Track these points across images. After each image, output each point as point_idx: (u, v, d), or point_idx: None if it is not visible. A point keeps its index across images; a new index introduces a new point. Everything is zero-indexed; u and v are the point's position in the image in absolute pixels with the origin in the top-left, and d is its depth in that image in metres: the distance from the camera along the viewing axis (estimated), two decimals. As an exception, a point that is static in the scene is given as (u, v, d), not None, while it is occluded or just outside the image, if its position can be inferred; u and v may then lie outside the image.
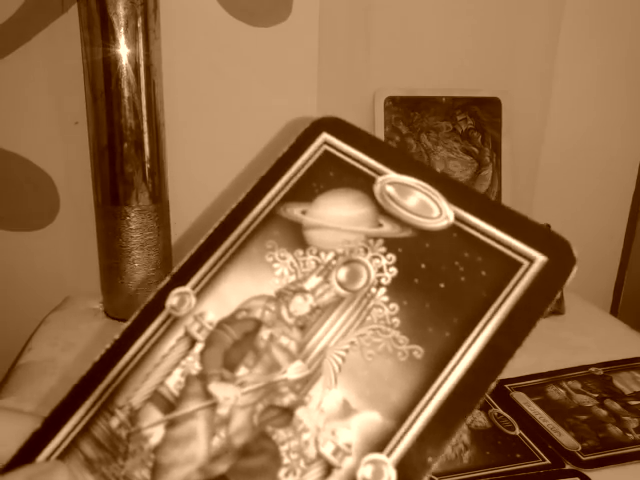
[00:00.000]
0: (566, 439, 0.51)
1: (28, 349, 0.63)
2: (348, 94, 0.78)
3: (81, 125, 0.69)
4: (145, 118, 0.63)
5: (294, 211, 0.19)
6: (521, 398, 0.57)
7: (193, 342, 0.18)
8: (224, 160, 0.73)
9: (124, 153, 0.63)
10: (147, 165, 0.64)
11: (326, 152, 0.20)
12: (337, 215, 0.18)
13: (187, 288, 0.19)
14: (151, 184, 0.65)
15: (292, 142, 0.21)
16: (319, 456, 0.16)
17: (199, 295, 0.19)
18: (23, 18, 0.66)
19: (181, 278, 0.19)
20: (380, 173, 0.19)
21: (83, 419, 0.17)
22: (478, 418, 0.53)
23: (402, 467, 0.15)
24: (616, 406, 0.56)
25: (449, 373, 0.15)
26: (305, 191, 0.19)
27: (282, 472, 0.16)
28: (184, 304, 0.18)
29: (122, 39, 0.60)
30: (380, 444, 0.15)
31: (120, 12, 0.59)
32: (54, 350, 0.62)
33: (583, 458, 0.48)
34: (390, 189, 0.19)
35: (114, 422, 0.17)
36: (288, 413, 0.16)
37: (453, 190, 0.18)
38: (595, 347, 0.67)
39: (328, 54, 0.74)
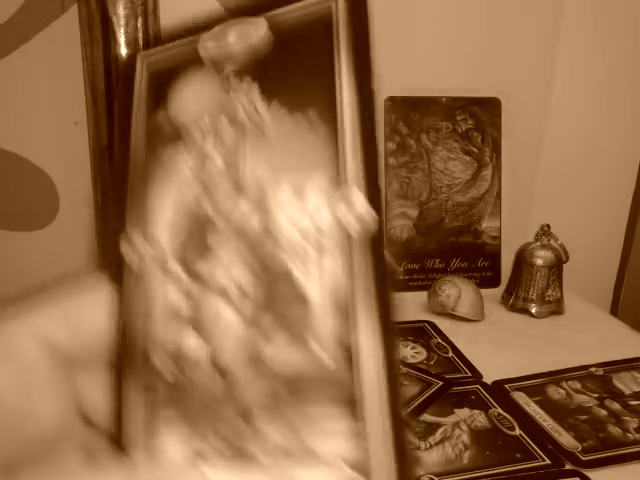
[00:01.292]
0: (566, 439, 0.51)
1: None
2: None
3: (81, 125, 0.69)
4: (145, 118, 0.63)
5: (159, 115, 0.20)
6: (521, 398, 0.57)
7: (163, 263, 0.19)
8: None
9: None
10: (147, 165, 0.64)
11: (149, 63, 0.21)
12: (190, 90, 0.20)
13: (127, 233, 0.19)
14: (151, 184, 0.65)
15: (121, 81, 0.21)
16: (312, 232, 0.17)
17: (141, 232, 0.19)
18: (23, 18, 0.66)
19: (119, 230, 0.19)
20: (195, 42, 0.20)
21: (137, 387, 0.18)
22: (478, 418, 0.53)
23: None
24: (616, 406, 0.56)
25: (342, 108, 0.17)
26: (158, 97, 0.20)
27: (295, 274, 0.16)
28: (136, 247, 0.19)
29: (122, 39, 0.60)
30: (336, 192, 0.16)
31: (120, 12, 0.59)
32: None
33: (583, 458, 0.48)
34: (210, 43, 0.19)
35: (168, 377, 0.18)
36: (264, 233, 0.17)
37: (253, 7, 0.19)
38: (595, 347, 0.67)
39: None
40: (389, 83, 0.79)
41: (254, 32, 0.19)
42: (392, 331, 0.15)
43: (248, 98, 0.19)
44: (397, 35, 0.77)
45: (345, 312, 0.16)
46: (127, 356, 0.18)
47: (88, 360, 0.19)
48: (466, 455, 0.48)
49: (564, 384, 0.59)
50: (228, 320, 0.17)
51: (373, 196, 0.16)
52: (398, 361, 0.15)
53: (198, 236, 0.18)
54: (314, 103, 0.18)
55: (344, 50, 0.17)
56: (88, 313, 0.19)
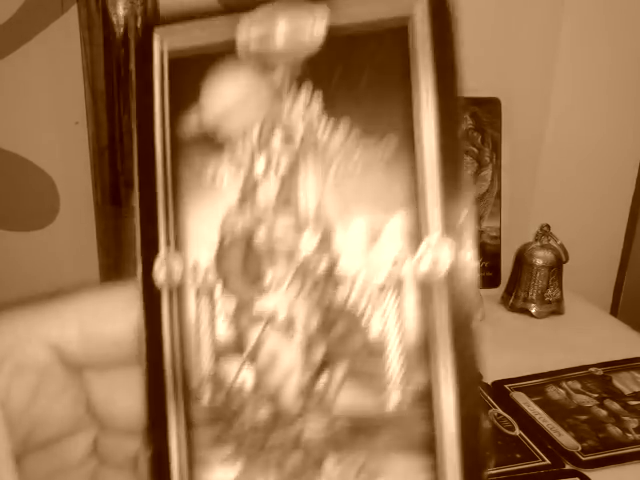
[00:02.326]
0: (566, 439, 0.51)
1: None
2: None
3: (81, 125, 0.69)
4: (145, 118, 0.63)
5: (190, 126, 0.17)
6: (521, 398, 0.57)
7: (210, 290, 0.17)
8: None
9: (123, 153, 0.63)
10: (147, 165, 0.64)
11: (171, 52, 0.17)
12: (230, 94, 0.17)
13: (162, 255, 0.18)
14: (151, 184, 0.65)
15: (134, 67, 0.18)
16: (383, 283, 0.15)
17: (178, 253, 0.17)
18: (23, 18, 0.66)
19: (151, 253, 0.18)
20: (233, 28, 0.16)
21: (180, 423, 0.17)
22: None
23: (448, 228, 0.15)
24: (616, 406, 0.56)
25: (428, 136, 0.15)
26: (185, 101, 0.17)
27: (366, 317, 0.15)
28: (173, 271, 0.17)
29: (122, 39, 0.60)
30: (419, 235, 0.15)
31: (120, 12, 0.59)
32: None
33: (583, 458, 0.48)
34: (255, 32, 0.16)
35: (205, 399, 0.17)
36: (332, 274, 0.16)
37: None
38: (595, 347, 0.67)
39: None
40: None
41: (312, 24, 0.16)
42: (473, 383, 0.14)
43: (309, 112, 0.16)
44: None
45: (420, 359, 0.15)
46: (162, 385, 0.17)
47: (101, 366, 0.19)
48: (466, 455, 0.48)
49: (564, 384, 0.59)
50: (288, 362, 0.16)
51: (461, 241, 0.15)
52: (481, 415, 0.14)
53: (251, 265, 0.17)
54: (394, 127, 0.15)
55: (429, 62, 0.15)
56: (104, 322, 0.18)
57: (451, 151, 0.15)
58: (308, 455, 0.16)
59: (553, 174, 0.87)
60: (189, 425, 0.17)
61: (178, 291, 0.17)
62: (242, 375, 0.16)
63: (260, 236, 0.17)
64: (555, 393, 0.58)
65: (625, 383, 0.60)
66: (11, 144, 0.70)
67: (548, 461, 0.48)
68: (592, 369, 0.62)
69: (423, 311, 0.15)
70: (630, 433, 0.52)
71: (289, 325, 0.16)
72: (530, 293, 0.76)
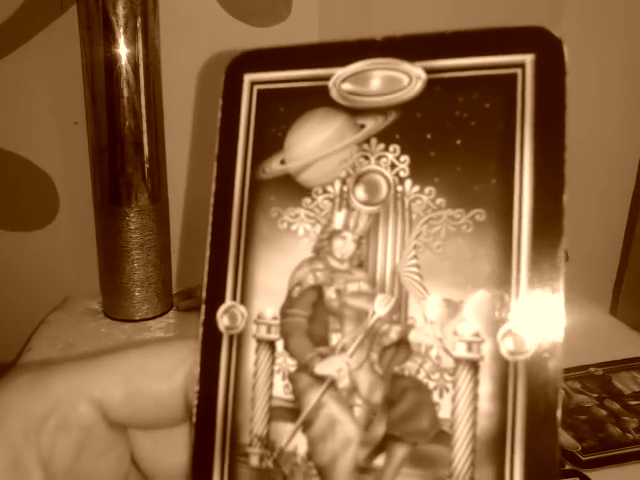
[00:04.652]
0: (566, 439, 0.51)
1: (28, 349, 0.63)
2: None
3: (81, 125, 0.69)
4: (144, 118, 0.63)
5: (272, 167, 0.17)
6: (521, 398, 0.57)
7: (271, 344, 0.17)
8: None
9: (124, 153, 0.63)
10: (146, 165, 0.64)
11: (260, 92, 0.17)
12: (316, 144, 0.17)
13: (229, 302, 0.17)
14: (150, 184, 0.65)
15: (221, 104, 0.18)
16: (458, 361, 0.15)
17: (244, 301, 0.17)
18: (23, 18, 0.66)
19: (216, 297, 0.17)
20: (326, 78, 0.16)
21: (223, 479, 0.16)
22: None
23: (529, 312, 0.14)
24: (616, 406, 0.56)
25: (520, 210, 0.14)
26: (269, 142, 0.17)
27: (435, 395, 0.15)
28: (237, 318, 0.17)
29: (122, 39, 0.60)
30: (501, 315, 0.14)
31: (120, 12, 0.59)
32: (54, 350, 0.62)
33: (583, 458, 0.48)
34: (347, 86, 0.16)
35: (254, 460, 0.16)
36: (403, 344, 0.15)
37: (407, 46, 0.16)
38: (595, 347, 0.67)
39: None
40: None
41: (407, 85, 0.16)
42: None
43: (394, 174, 0.16)
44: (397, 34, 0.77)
45: (491, 452, 0.14)
46: (211, 438, 0.16)
47: (145, 425, 0.18)
48: (466, 455, 0.48)
49: (564, 384, 0.59)
50: (343, 436, 0.15)
51: (546, 326, 0.14)
52: None
53: (317, 325, 0.16)
54: (484, 201, 0.15)
55: (529, 137, 0.15)
56: (149, 381, 0.18)
57: (549, 234, 0.14)
58: None
59: (553, 174, 0.87)
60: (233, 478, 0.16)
61: (239, 340, 0.17)
62: (295, 440, 0.16)
63: (330, 295, 0.16)
64: (555, 393, 0.58)
65: (625, 383, 0.60)
66: (11, 144, 0.70)
67: (548, 461, 0.48)
68: (592, 369, 0.62)
69: (500, 398, 0.14)
70: (630, 433, 0.52)
71: (351, 393, 0.15)
72: (530, 293, 0.75)
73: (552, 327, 0.14)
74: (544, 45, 0.15)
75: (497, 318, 0.14)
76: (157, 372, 0.18)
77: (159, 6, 0.63)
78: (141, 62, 0.61)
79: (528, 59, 0.15)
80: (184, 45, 0.69)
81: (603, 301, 0.94)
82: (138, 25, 0.60)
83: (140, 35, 0.61)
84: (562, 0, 0.80)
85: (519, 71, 0.15)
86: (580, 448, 0.49)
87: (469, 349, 0.14)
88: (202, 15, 0.69)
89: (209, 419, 0.16)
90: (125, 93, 0.61)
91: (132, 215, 0.64)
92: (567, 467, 0.47)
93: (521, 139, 0.15)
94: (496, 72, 0.15)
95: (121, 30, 0.60)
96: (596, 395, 0.57)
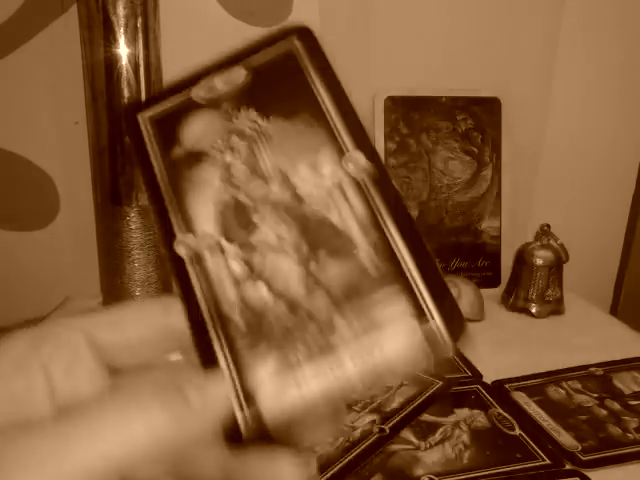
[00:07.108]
0: (566, 439, 0.51)
1: (28, 349, 0.63)
2: (348, 94, 0.78)
3: (81, 125, 0.69)
4: (145, 118, 0.63)
5: (178, 153, 0.24)
6: (521, 398, 0.57)
7: (219, 246, 0.22)
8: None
9: (124, 153, 0.63)
10: (147, 165, 0.64)
11: (153, 120, 0.26)
12: (198, 130, 0.24)
13: (179, 237, 0.23)
14: (151, 184, 0.65)
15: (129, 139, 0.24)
16: (332, 183, 0.22)
17: (188, 230, 0.23)
18: (23, 18, 0.66)
19: (169, 235, 0.23)
20: (188, 94, 0.25)
21: (221, 339, 0.21)
22: (478, 418, 0.53)
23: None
24: (616, 406, 0.56)
25: (329, 112, 0.23)
26: (170, 142, 0.24)
27: (328, 214, 0.22)
28: (189, 245, 0.23)
29: (122, 39, 0.60)
30: (340, 152, 0.22)
31: (120, 12, 0.59)
32: (54, 350, 0.62)
33: (583, 458, 0.48)
34: (202, 92, 0.25)
35: (237, 315, 0.21)
36: (296, 198, 0.22)
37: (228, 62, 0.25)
38: (595, 347, 0.67)
39: (328, 54, 0.74)
40: (389, 83, 0.79)
41: (236, 77, 0.24)
42: (414, 232, 0.21)
43: (249, 119, 0.24)
44: (397, 35, 0.77)
45: (375, 228, 0.21)
46: (202, 318, 0.22)
47: (129, 359, 0.22)
48: (466, 455, 0.48)
49: (564, 384, 0.59)
50: (286, 266, 0.21)
51: (368, 150, 0.22)
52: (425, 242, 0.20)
53: (242, 220, 0.22)
54: (303, 109, 0.23)
55: (312, 70, 0.24)
56: (136, 324, 0.22)
57: (343, 105, 0.23)
58: (320, 322, 0.20)
59: (553, 174, 0.87)
60: (229, 339, 0.21)
61: (196, 255, 0.22)
62: (257, 288, 0.21)
63: (242, 198, 0.23)
64: (555, 393, 0.58)
65: (625, 383, 0.60)
66: (11, 144, 0.70)
67: (548, 461, 0.48)
68: (592, 369, 0.62)
69: (365, 200, 0.21)
70: (630, 433, 0.52)
71: (279, 241, 0.22)
72: (530, 293, 0.76)
73: (370, 153, 0.22)
74: (302, 31, 0.24)
75: (342, 160, 0.22)
76: (145, 316, 0.23)
77: (159, 6, 0.63)
78: (141, 62, 0.61)
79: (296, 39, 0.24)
80: (184, 45, 0.69)
81: (603, 301, 0.94)
82: (138, 25, 0.60)
83: (140, 35, 0.61)
84: (562, 0, 0.80)
85: (293, 46, 0.24)
86: (580, 448, 0.50)
87: (335, 182, 0.22)
88: (202, 15, 0.69)
89: (195, 308, 0.22)
90: (125, 93, 0.61)
91: (132, 215, 0.64)
92: (567, 467, 0.48)
93: (310, 74, 0.24)
94: (279, 50, 0.24)
95: (121, 30, 0.60)
96: (596, 395, 0.58)
